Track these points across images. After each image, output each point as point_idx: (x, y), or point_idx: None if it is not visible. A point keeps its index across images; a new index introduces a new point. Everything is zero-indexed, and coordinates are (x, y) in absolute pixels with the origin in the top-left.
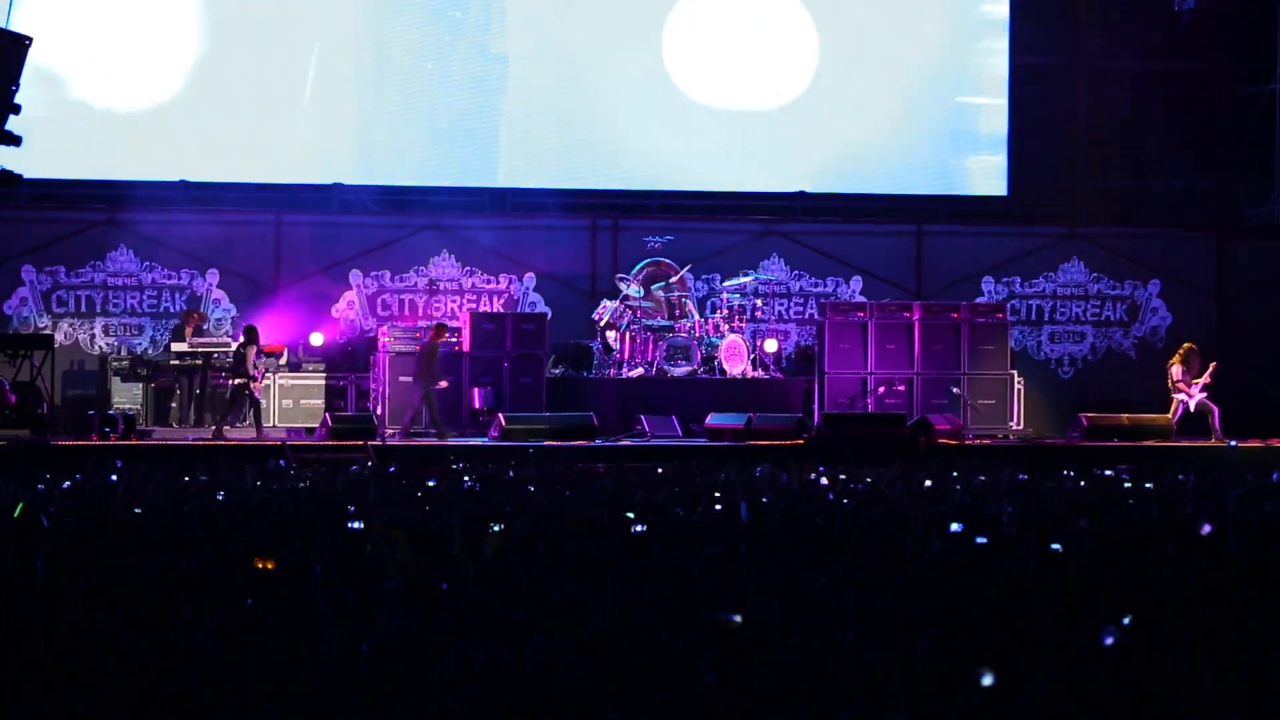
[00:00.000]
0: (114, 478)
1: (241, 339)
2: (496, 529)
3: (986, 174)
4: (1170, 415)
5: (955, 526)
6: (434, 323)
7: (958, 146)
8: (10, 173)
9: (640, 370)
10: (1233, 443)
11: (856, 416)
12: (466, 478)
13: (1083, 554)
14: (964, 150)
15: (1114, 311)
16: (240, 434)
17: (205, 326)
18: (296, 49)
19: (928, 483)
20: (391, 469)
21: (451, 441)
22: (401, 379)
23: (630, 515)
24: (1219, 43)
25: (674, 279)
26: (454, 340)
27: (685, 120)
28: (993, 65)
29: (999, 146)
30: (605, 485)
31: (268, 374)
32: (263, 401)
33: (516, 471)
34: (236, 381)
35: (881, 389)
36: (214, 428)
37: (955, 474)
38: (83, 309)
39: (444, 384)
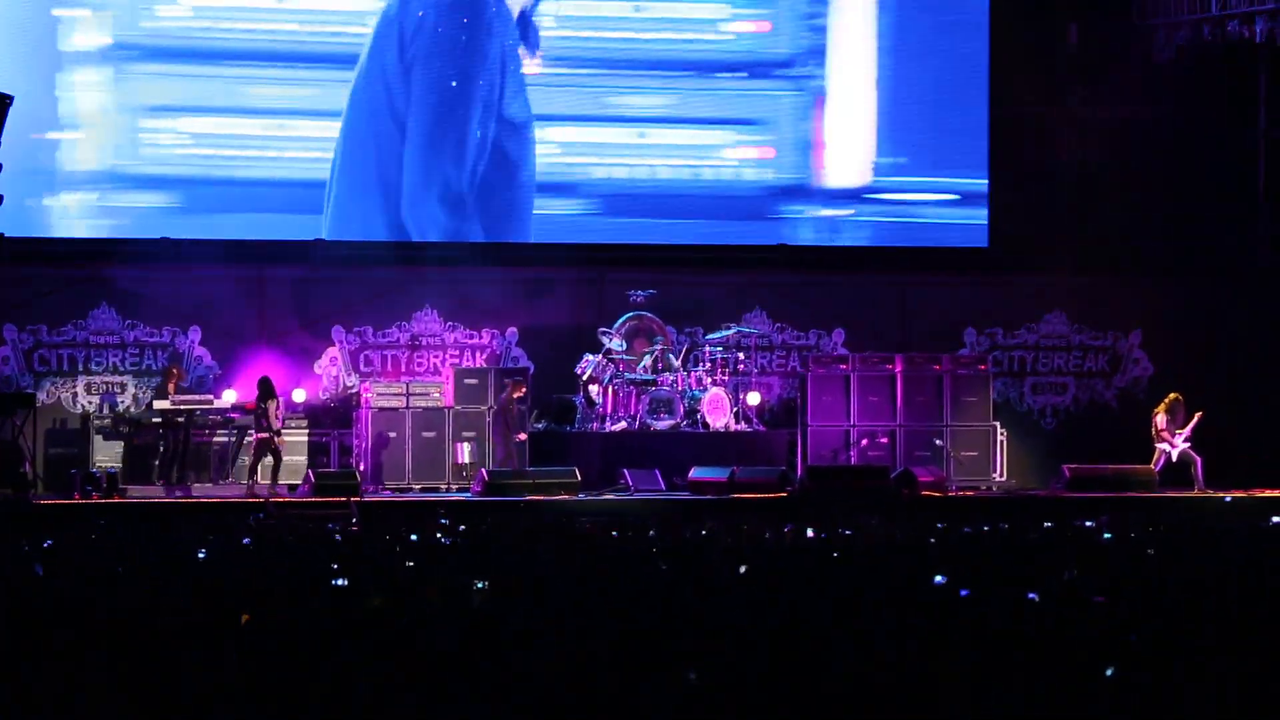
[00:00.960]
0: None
1: (258, 393)
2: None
3: (967, 225)
4: (1153, 465)
5: (939, 579)
6: (513, 379)
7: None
8: None
9: (623, 424)
10: (1227, 498)
11: (840, 469)
12: (442, 535)
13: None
14: (939, 201)
15: (1096, 362)
16: (224, 491)
17: (185, 384)
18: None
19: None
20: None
21: (431, 497)
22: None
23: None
24: (1200, 91)
25: (659, 342)
26: (520, 396)
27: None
28: (971, 116)
29: (980, 198)
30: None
31: (249, 431)
32: (284, 455)
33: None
34: (261, 436)
35: (864, 441)
36: (247, 482)
37: (940, 525)
38: (65, 367)
39: (523, 437)
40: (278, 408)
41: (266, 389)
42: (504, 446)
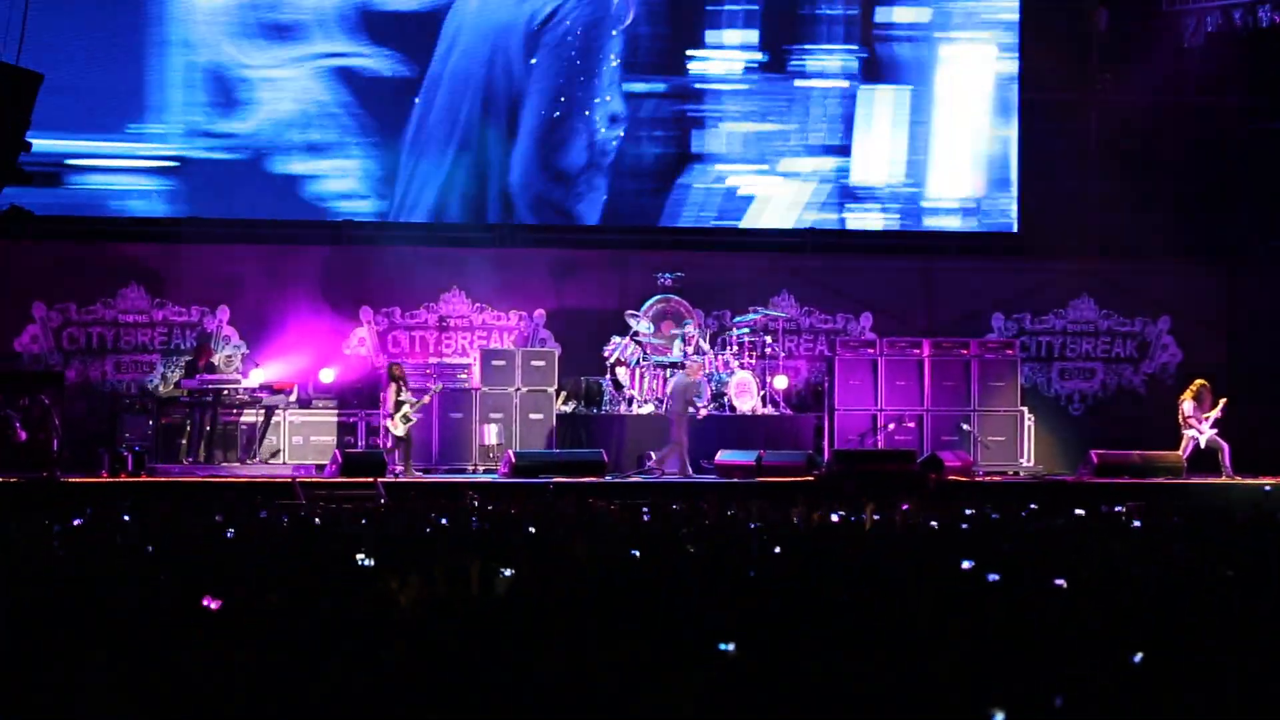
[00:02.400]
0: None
1: (388, 377)
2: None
3: (996, 208)
4: (1181, 452)
5: (967, 564)
6: (691, 360)
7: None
8: (22, 209)
9: (650, 407)
10: (1267, 486)
11: (866, 453)
12: (474, 518)
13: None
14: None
15: (1124, 348)
16: (251, 470)
17: (215, 362)
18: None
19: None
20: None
21: (459, 478)
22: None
23: (636, 553)
24: (1230, 78)
25: (690, 325)
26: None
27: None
28: (1002, 100)
29: (1008, 181)
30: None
31: (277, 410)
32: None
33: (526, 508)
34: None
35: (892, 425)
36: (399, 468)
37: (968, 510)
38: (94, 346)
39: (702, 413)
40: (395, 392)
41: (393, 373)
42: (678, 426)
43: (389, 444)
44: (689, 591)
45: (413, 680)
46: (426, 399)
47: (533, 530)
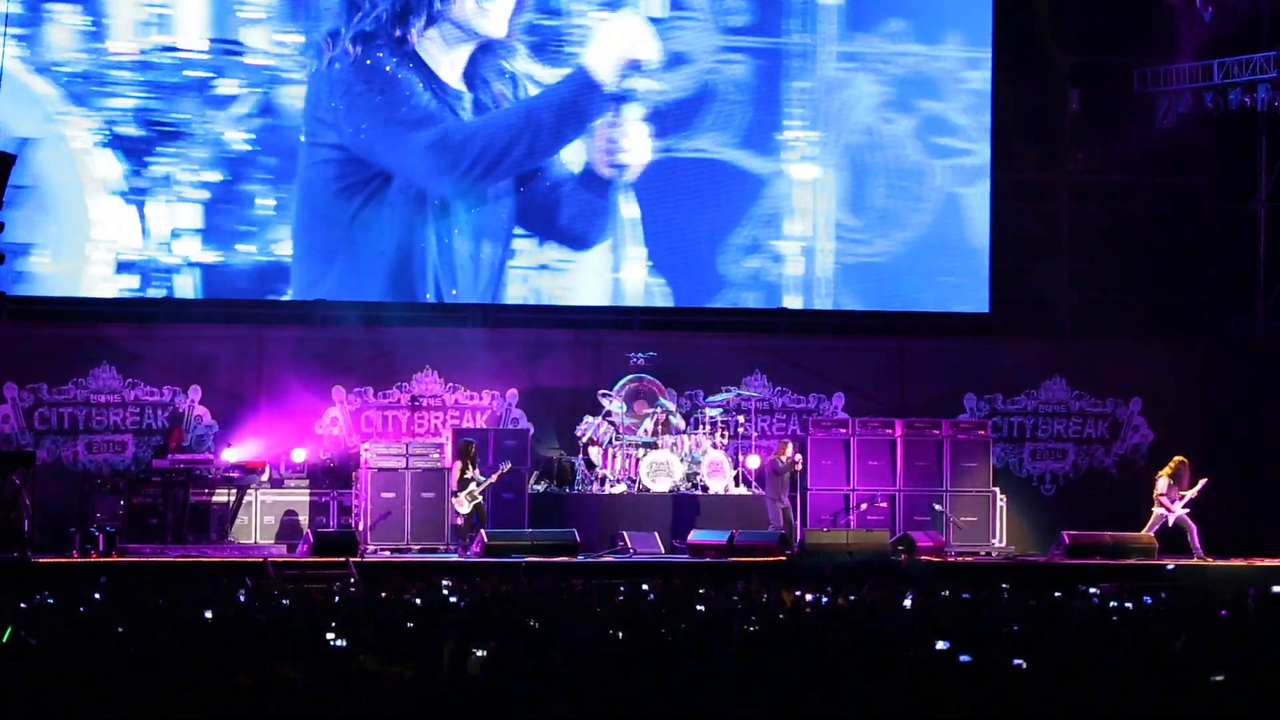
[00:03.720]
0: (97, 595)
1: (457, 453)
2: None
3: (968, 289)
4: (1149, 530)
5: (941, 644)
6: (784, 439)
7: (939, 261)
8: None
9: (623, 486)
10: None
11: (839, 534)
12: (450, 594)
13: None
14: (945, 266)
15: (1095, 429)
16: (222, 550)
17: (186, 443)
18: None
19: (907, 602)
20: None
21: (433, 558)
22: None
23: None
24: (1202, 159)
25: (660, 407)
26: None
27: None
28: (974, 180)
29: (980, 262)
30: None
31: (249, 490)
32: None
33: (500, 588)
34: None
35: (864, 505)
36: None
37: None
38: (65, 426)
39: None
40: (463, 469)
41: (458, 451)
42: (774, 509)
43: (457, 520)
44: (668, 671)
45: None
46: (495, 478)
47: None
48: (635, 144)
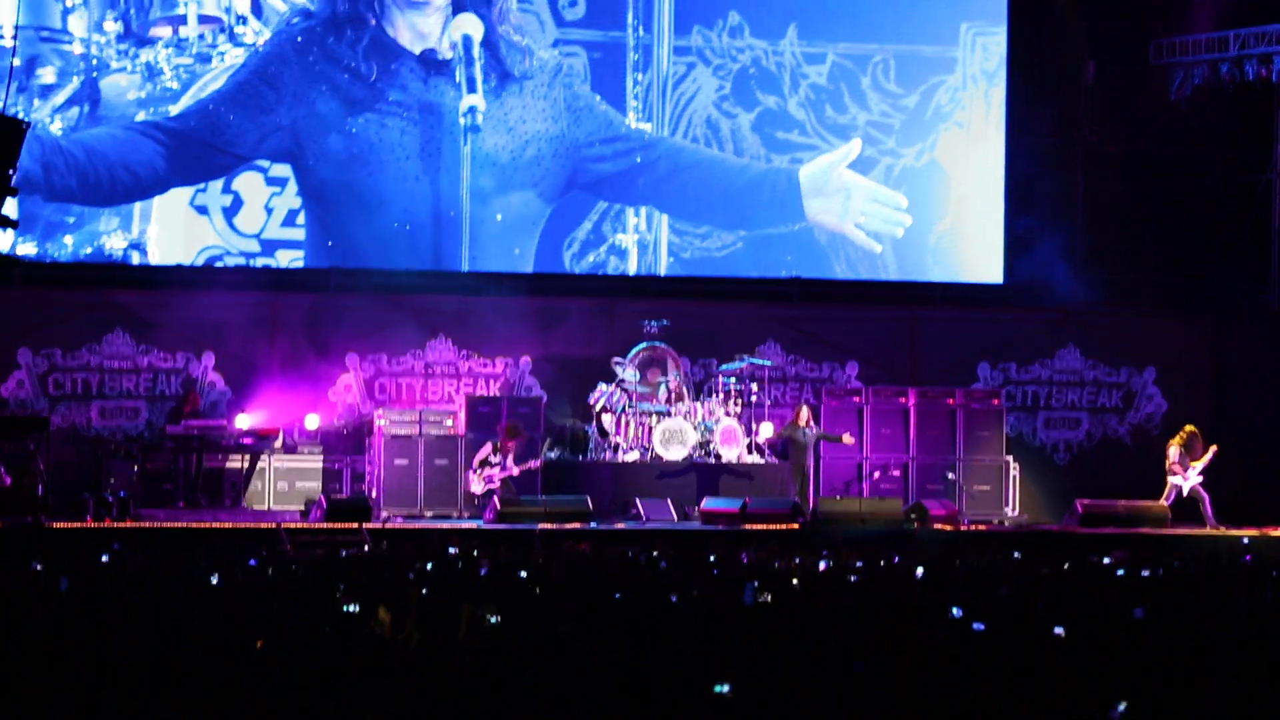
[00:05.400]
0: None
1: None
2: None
3: (982, 259)
4: (1164, 500)
5: (955, 612)
6: (805, 402)
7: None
8: (6, 254)
9: (635, 454)
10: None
11: (851, 502)
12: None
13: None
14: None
15: (1109, 398)
16: (236, 515)
17: (201, 409)
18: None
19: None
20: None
21: (446, 524)
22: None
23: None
24: (1216, 131)
25: (674, 372)
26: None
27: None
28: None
29: (995, 232)
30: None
31: (262, 456)
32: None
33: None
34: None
35: (877, 474)
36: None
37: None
38: (79, 392)
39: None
40: (511, 450)
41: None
42: (795, 478)
43: (471, 489)
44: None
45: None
46: (518, 470)
47: (523, 575)
48: None
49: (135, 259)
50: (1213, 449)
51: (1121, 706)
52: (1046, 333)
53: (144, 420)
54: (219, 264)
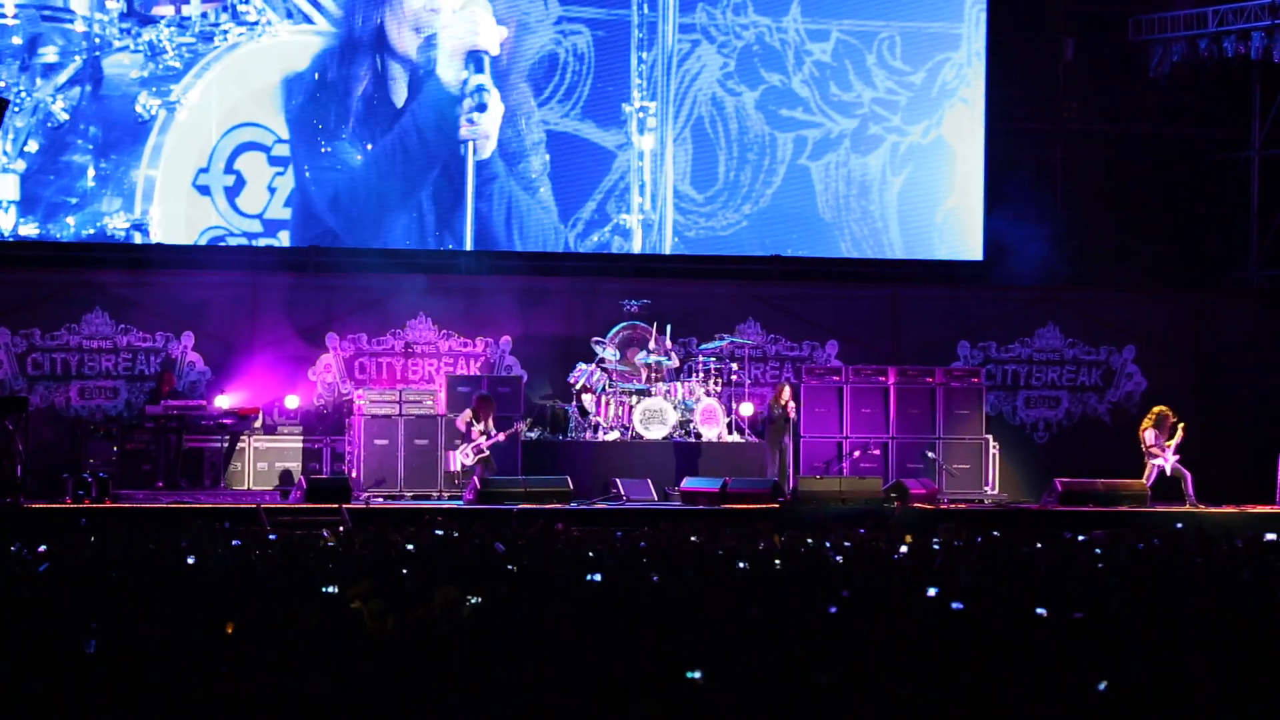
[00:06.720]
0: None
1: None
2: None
3: (962, 238)
4: (1145, 480)
5: (932, 591)
6: (786, 380)
7: (933, 210)
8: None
9: (616, 434)
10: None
11: (831, 481)
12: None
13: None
14: (940, 213)
15: (1089, 377)
16: (215, 496)
17: (179, 388)
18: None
19: (903, 548)
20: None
21: (427, 504)
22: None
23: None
24: (1195, 108)
25: (654, 348)
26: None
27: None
28: (969, 128)
29: (975, 209)
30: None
31: (242, 436)
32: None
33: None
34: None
35: (857, 453)
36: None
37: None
38: (58, 372)
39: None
40: (482, 426)
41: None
42: (774, 455)
43: (451, 468)
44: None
45: (376, 704)
46: (503, 436)
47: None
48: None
49: (138, 239)
50: (1181, 426)
51: (1102, 685)
52: (1026, 311)
53: (123, 400)
54: (221, 245)
